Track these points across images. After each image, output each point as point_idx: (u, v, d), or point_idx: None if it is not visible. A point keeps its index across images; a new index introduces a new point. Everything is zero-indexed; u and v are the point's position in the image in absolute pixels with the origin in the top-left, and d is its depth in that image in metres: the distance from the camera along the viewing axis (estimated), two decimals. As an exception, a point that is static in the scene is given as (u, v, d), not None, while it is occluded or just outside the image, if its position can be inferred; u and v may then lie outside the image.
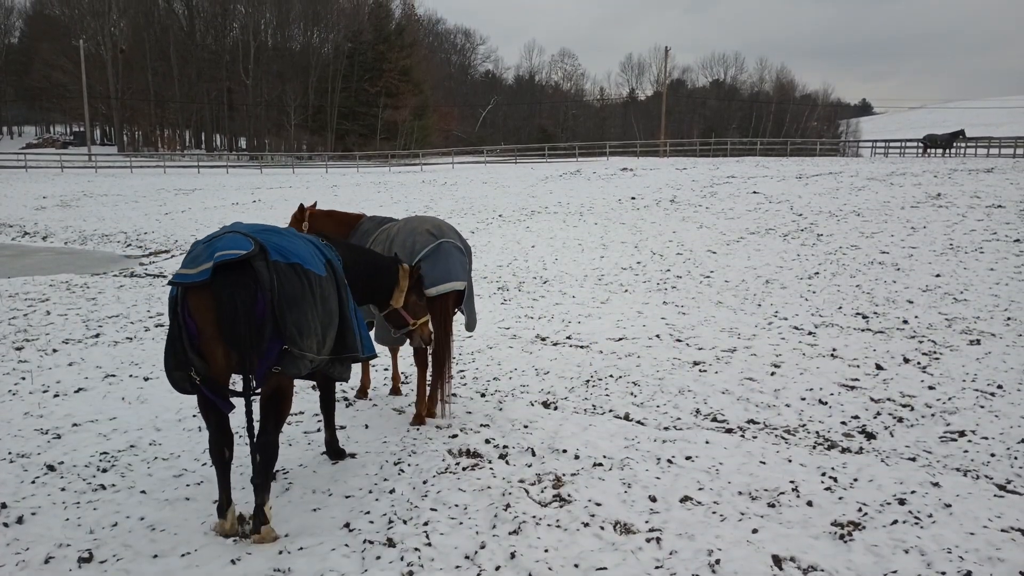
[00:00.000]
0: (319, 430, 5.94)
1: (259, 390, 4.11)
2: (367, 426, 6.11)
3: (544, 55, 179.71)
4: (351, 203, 27.10)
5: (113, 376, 7.59)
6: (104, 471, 5.20)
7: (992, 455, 5.51)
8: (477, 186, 30.99)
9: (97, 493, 4.85)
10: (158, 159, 60.09)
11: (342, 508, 4.64)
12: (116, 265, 16.72)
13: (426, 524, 4.39)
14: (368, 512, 4.57)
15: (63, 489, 4.90)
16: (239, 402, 4.04)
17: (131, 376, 7.59)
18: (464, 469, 5.21)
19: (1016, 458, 5.43)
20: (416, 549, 4.09)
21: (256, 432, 4.10)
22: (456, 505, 4.65)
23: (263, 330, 3.88)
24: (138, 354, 8.47)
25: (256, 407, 4.16)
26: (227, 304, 3.79)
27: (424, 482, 4.99)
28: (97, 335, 9.43)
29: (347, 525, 4.41)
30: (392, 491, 4.85)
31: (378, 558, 4.03)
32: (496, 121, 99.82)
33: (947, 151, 44.35)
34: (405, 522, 4.42)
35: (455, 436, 5.84)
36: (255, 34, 78.30)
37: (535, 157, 55.15)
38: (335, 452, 5.42)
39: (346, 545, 4.16)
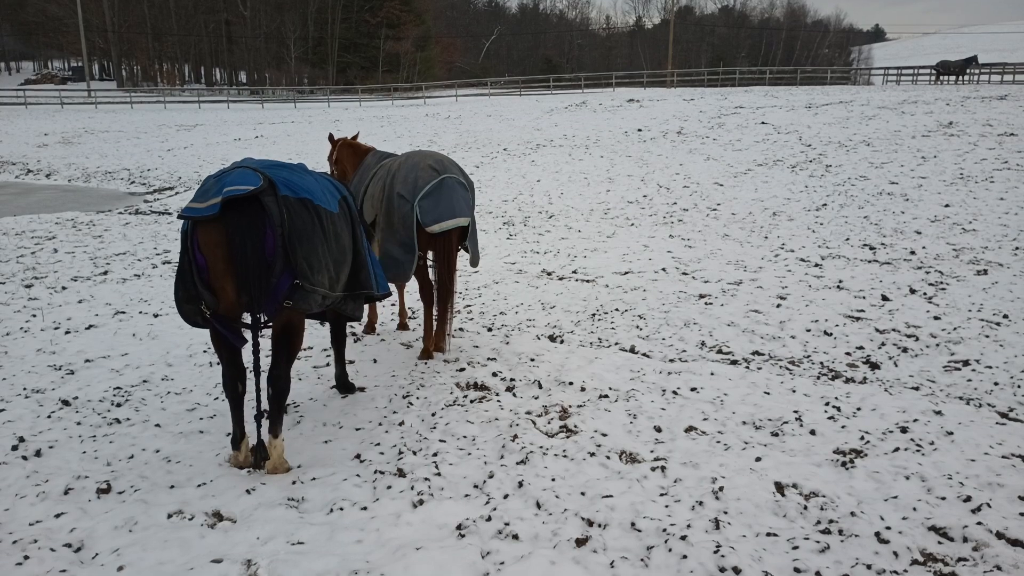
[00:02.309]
0: (328, 364, 6.02)
1: (271, 324, 4.14)
2: (376, 360, 6.17)
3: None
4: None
5: (123, 313, 7.65)
6: (118, 405, 5.29)
7: (995, 384, 5.55)
8: (481, 119, 30.56)
9: (112, 427, 4.95)
10: (158, 94, 59.24)
11: (353, 440, 4.73)
12: (121, 202, 16.68)
13: (435, 455, 4.48)
14: (378, 444, 4.65)
15: (79, 423, 5.00)
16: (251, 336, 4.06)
17: (141, 313, 7.66)
18: (472, 402, 5.29)
19: (1019, 386, 5.47)
20: (426, 479, 4.18)
21: (269, 366, 4.19)
22: (464, 436, 4.73)
23: (273, 265, 3.88)
24: (147, 291, 8.53)
25: (267, 342, 4.17)
26: (236, 241, 3.78)
27: (433, 414, 5.07)
28: (105, 272, 9.47)
29: (358, 456, 4.50)
30: (401, 423, 4.94)
31: (389, 487, 4.12)
32: (500, 52, 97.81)
33: (960, 78, 43.47)
34: (415, 453, 4.51)
35: (463, 370, 5.90)
36: (251, -39, 76.20)
37: (540, 88, 54.16)
38: (344, 386, 5.51)
39: (357, 475, 4.26)
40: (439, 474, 4.24)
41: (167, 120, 36.99)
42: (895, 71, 51.93)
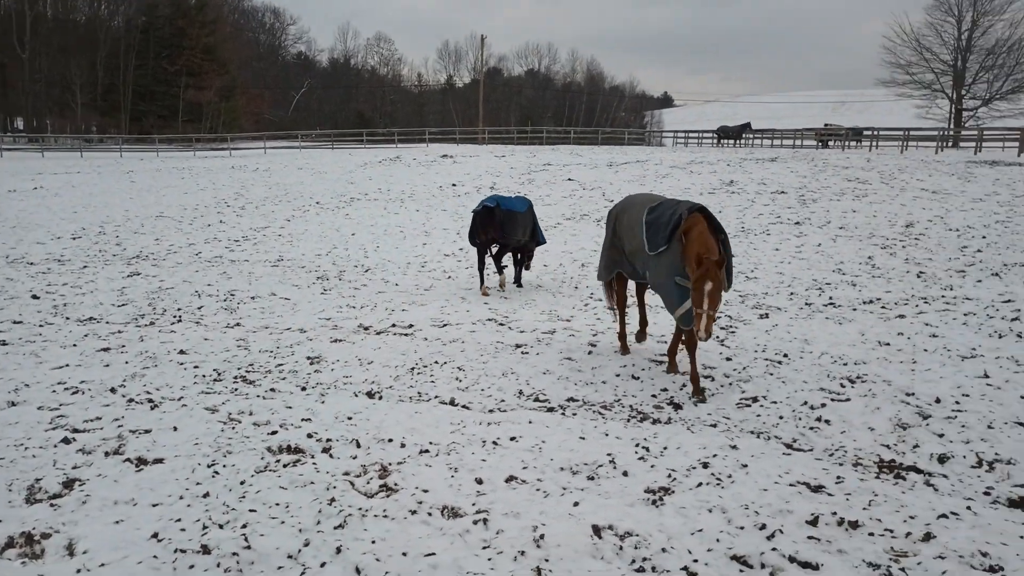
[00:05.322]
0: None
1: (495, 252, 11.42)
2: (175, 428, 5.70)
3: (359, 39, 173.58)
4: (150, 190, 25.16)
5: None
6: None
7: (780, 417, 6.08)
8: (292, 172, 29.83)
9: None
10: (-85, 140, 52.51)
11: (149, 518, 4.30)
12: None
13: (244, 526, 4.17)
14: (179, 520, 4.27)
15: None
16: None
17: None
18: (285, 466, 5.01)
19: (800, 419, 6.03)
20: (234, 554, 3.88)
21: (497, 262, 11.51)
22: (277, 504, 4.46)
23: (499, 232, 10.63)
24: None
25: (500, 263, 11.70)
26: (485, 220, 10.75)
27: (241, 483, 4.74)
28: None
29: (155, 535, 4.10)
30: (206, 495, 4.57)
31: (191, 567, 3.78)
32: (311, 105, 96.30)
33: (737, 141, 48.52)
34: (221, 526, 4.18)
35: (274, 432, 5.60)
36: (31, 2, 70.19)
37: (353, 142, 53.94)
38: (518, 281, 11.74)
39: (154, 556, 3.87)
40: (249, 547, 3.95)
41: (-74, 168, 32.81)
42: (683, 134, 57.11)
